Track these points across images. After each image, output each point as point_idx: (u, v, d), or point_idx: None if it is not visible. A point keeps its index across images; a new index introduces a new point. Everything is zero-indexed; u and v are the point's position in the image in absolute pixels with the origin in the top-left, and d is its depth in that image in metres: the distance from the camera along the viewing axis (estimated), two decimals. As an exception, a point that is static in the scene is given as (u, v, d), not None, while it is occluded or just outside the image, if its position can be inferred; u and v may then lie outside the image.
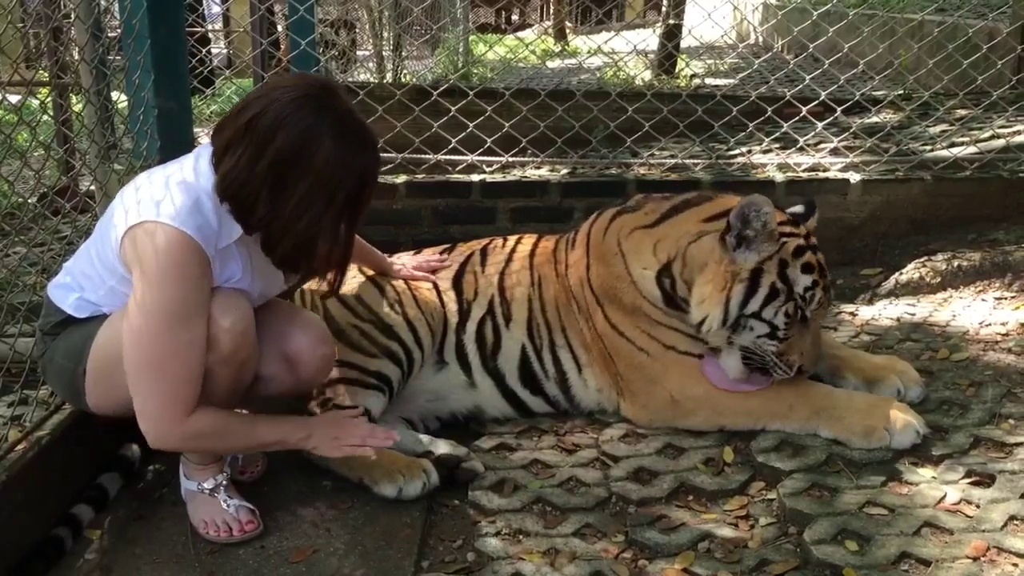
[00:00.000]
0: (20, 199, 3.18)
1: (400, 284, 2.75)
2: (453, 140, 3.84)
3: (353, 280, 2.76)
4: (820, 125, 4.09)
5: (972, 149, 3.93)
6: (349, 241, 2.09)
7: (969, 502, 2.01)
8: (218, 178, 1.97)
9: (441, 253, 2.94)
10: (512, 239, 2.94)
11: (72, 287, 2.17)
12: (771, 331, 2.39)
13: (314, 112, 1.93)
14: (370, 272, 2.78)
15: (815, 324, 2.43)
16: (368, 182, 2.03)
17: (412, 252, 2.99)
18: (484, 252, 2.89)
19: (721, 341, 2.45)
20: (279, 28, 6.84)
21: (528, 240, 2.91)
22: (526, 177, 3.84)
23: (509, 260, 2.85)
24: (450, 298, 2.78)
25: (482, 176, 3.74)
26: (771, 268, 2.38)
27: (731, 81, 6.98)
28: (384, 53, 7.39)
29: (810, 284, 2.38)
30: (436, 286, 2.81)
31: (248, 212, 1.98)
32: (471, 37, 10.74)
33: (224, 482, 2.23)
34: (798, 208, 2.65)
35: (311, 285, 2.81)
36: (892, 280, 3.41)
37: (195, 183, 2.01)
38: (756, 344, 2.41)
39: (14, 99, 2.82)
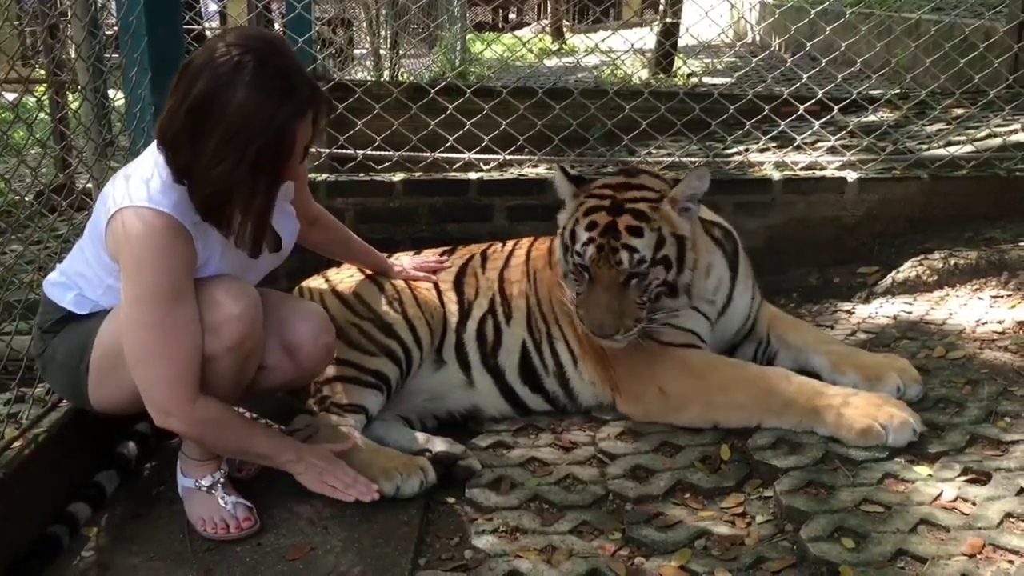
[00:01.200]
0: (17, 196, 3.17)
1: (399, 283, 2.76)
2: (450, 138, 3.83)
3: (352, 278, 2.77)
4: (817, 124, 4.09)
5: (969, 148, 3.93)
6: (268, 196, 2.01)
7: (965, 499, 2.01)
8: (157, 124, 1.99)
9: (441, 255, 2.95)
10: (511, 242, 2.96)
11: (70, 286, 2.18)
12: (568, 288, 2.57)
13: (238, 61, 1.89)
14: (369, 272, 2.78)
15: (599, 285, 2.43)
16: (284, 138, 1.94)
17: (412, 252, 2.99)
18: (484, 255, 2.92)
19: (569, 296, 2.60)
20: (276, 26, 6.84)
21: (525, 242, 2.94)
22: (523, 175, 3.84)
23: (508, 260, 2.87)
24: (450, 298, 2.79)
25: (479, 174, 3.74)
26: (568, 225, 2.54)
27: (728, 80, 6.98)
28: (381, 51, 7.38)
29: (586, 240, 2.45)
30: (436, 286, 2.81)
31: (172, 159, 1.97)
32: (468, 35, 10.73)
33: (222, 479, 2.23)
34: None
35: (310, 283, 2.82)
36: (889, 278, 3.42)
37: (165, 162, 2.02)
38: (572, 300, 2.56)
39: (10, 96, 2.82)
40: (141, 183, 2.00)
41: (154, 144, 2.11)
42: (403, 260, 2.89)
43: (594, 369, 2.69)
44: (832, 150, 3.93)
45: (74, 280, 2.17)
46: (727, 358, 2.63)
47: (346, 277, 2.79)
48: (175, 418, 2.03)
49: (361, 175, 3.71)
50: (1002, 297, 3.06)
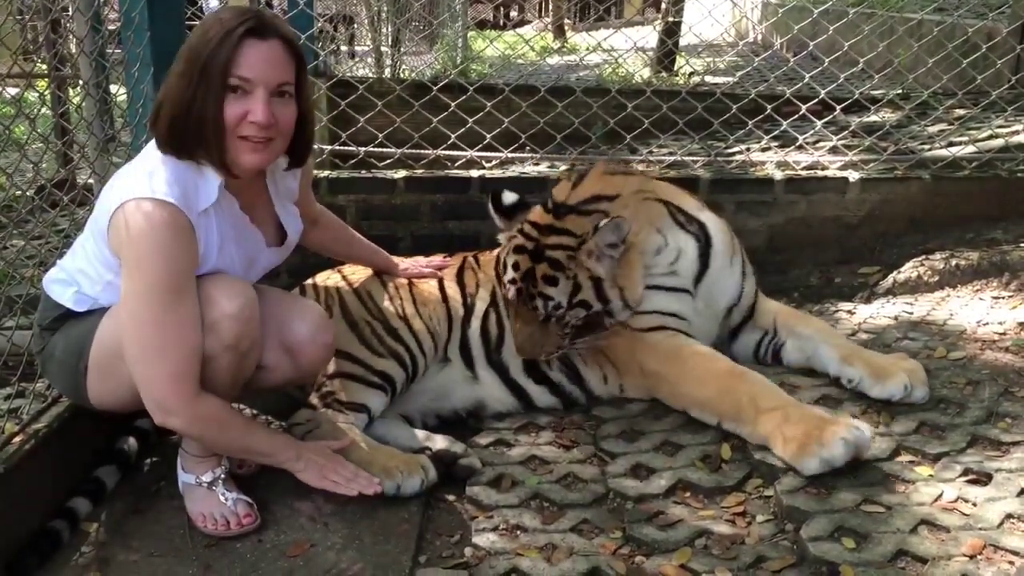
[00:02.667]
0: (18, 191, 3.17)
1: (411, 286, 2.78)
2: (452, 136, 3.83)
3: (368, 276, 2.78)
4: (819, 123, 4.09)
5: (971, 148, 3.93)
6: (219, 116, 2.02)
7: (966, 500, 2.01)
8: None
9: (444, 257, 2.97)
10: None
11: (69, 282, 2.17)
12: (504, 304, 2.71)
13: (224, 18, 2.02)
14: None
15: (520, 320, 2.58)
16: (229, 52, 1.99)
17: (421, 257, 3.00)
18: (477, 256, 2.96)
19: None
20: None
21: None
22: (525, 173, 3.84)
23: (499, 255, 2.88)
24: (454, 294, 2.80)
25: (481, 172, 3.73)
26: (501, 255, 2.70)
27: (730, 79, 6.98)
28: (383, 49, 7.36)
29: (509, 279, 2.60)
30: (440, 283, 2.82)
31: (154, 112, 2.08)
32: (470, 33, 10.71)
33: (222, 475, 2.23)
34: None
35: (326, 280, 2.81)
36: (890, 279, 3.42)
37: (169, 156, 2.05)
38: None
39: (12, 91, 2.82)
40: (143, 176, 2.01)
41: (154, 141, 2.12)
42: (408, 262, 2.90)
43: (590, 354, 2.70)
44: (834, 150, 3.93)
45: (74, 276, 2.17)
46: (699, 346, 2.57)
47: (362, 274, 2.81)
48: (175, 415, 2.02)
49: (363, 172, 3.71)
50: (1003, 298, 3.06)
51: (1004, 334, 2.79)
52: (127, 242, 1.97)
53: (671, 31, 8.83)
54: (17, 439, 2.18)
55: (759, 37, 10.31)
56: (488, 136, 3.85)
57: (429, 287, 2.80)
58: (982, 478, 2.09)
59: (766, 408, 2.30)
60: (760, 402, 2.32)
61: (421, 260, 2.93)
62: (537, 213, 2.66)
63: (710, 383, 2.45)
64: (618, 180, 2.73)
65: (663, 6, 9.06)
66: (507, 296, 2.63)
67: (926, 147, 4.10)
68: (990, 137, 4.18)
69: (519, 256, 2.58)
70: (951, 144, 4.05)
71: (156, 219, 1.95)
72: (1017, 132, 4.18)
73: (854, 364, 2.51)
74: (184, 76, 2.01)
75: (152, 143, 2.11)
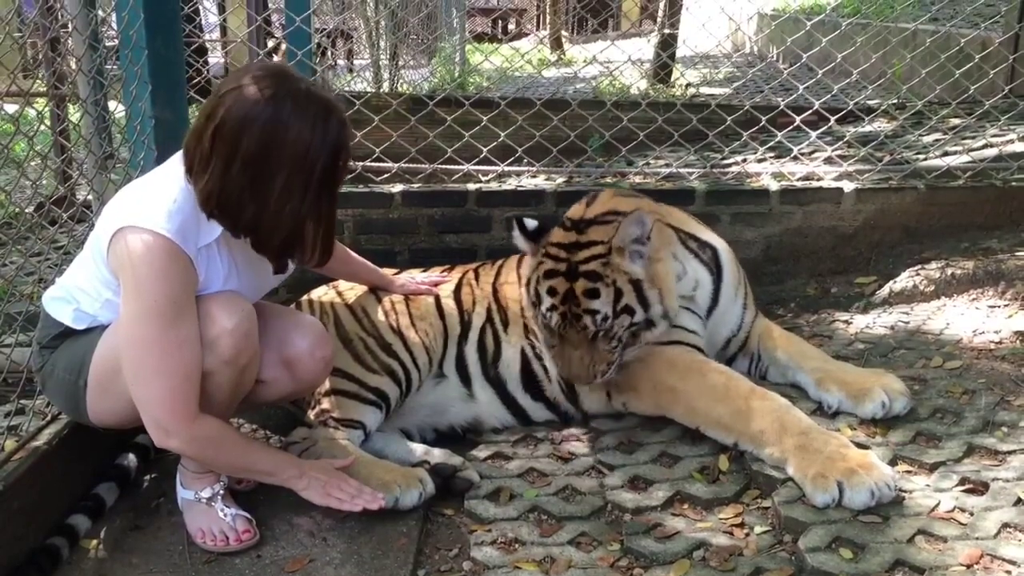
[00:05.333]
0: (17, 209, 3.18)
1: (406, 302, 2.78)
2: (449, 150, 3.85)
3: (362, 292, 2.78)
4: (814, 134, 4.11)
5: (965, 158, 3.94)
6: (332, 214, 2.11)
7: (963, 510, 2.01)
8: (199, 196, 1.98)
9: (442, 272, 2.97)
10: (501, 259, 3.00)
11: (68, 300, 2.18)
12: (541, 335, 2.63)
13: (270, 103, 1.93)
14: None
15: (569, 345, 2.47)
16: (340, 152, 2.02)
17: (421, 270, 3.01)
18: (477, 272, 2.95)
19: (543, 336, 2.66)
20: (277, 35, 6.85)
21: (515, 256, 2.94)
22: (522, 186, 3.85)
23: (499, 270, 2.91)
24: (451, 312, 2.80)
25: (478, 185, 3.75)
26: (532, 281, 2.58)
27: (726, 90, 7.01)
28: (381, 63, 7.40)
29: (549, 306, 2.49)
30: (437, 299, 2.83)
31: (236, 218, 2.00)
32: (467, 47, 10.76)
33: (221, 491, 2.23)
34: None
35: (321, 295, 2.83)
36: (886, 288, 3.43)
37: (173, 186, 2.03)
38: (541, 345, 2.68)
39: (11, 109, 2.83)
40: (148, 205, 2.00)
41: (164, 166, 2.13)
42: (403, 277, 2.90)
43: None
44: (829, 160, 3.95)
45: (72, 294, 2.17)
46: (718, 364, 2.57)
47: (357, 290, 2.82)
48: (174, 437, 2.03)
49: (360, 186, 3.72)
50: (999, 307, 3.06)
51: (1000, 343, 2.80)
52: (127, 266, 1.97)
53: (667, 43, 8.86)
54: (17, 456, 2.19)
55: (754, 49, 10.36)
56: (485, 150, 3.87)
57: (425, 302, 2.81)
58: (979, 487, 2.09)
59: (793, 432, 2.24)
60: (786, 425, 2.27)
61: (417, 275, 2.93)
62: (558, 235, 2.58)
63: (730, 401, 2.39)
64: (631, 200, 2.72)
65: (659, 18, 9.10)
66: (548, 325, 2.51)
67: (921, 157, 4.12)
68: (984, 147, 4.20)
69: (553, 280, 2.49)
70: (946, 154, 4.06)
71: (154, 248, 1.96)
72: (1011, 141, 4.20)
73: (830, 389, 2.49)
74: (298, 191, 1.96)
75: (162, 169, 2.12)
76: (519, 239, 2.63)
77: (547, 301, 2.49)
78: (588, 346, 2.46)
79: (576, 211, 2.68)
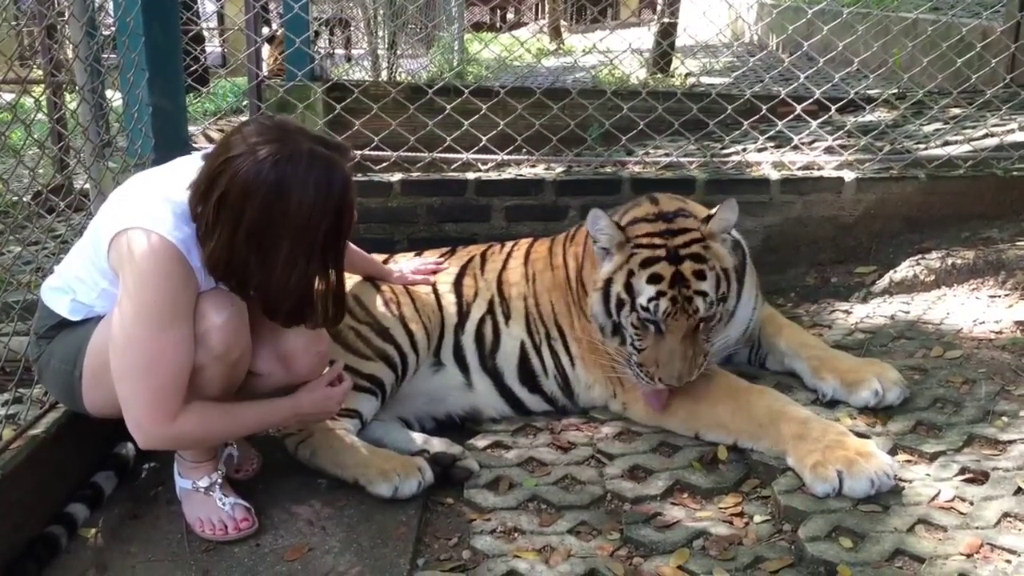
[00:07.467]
0: (15, 197, 3.17)
1: (397, 287, 2.76)
2: (448, 138, 3.84)
3: (351, 282, 2.76)
4: (815, 123, 4.09)
5: (966, 147, 3.93)
6: (340, 271, 2.09)
7: (963, 499, 2.02)
8: (207, 261, 1.97)
9: (441, 256, 2.95)
10: (509, 244, 2.96)
11: (65, 290, 2.17)
12: (623, 339, 2.46)
13: (273, 168, 1.89)
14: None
15: (673, 337, 2.36)
16: (344, 211, 1.99)
17: (413, 254, 2.99)
18: (483, 256, 2.92)
19: (613, 347, 2.51)
20: (273, 26, 6.82)
21: (524, 243, 2.94)
22: (521, 175, 3.84)
23: (506, 262, 2.88)
24: (449, 300, 2.79)
25: (477, 174, 3.74)
26: (619, 278, 2.43)
27: (726, 80, 6.98)
28: (379, 51, 7.37)
29: (653, 295, 2.36)
30: (434, 289, 2.81)
31: (243, 284, 2.01)
32: (466, 35, 10.73)
33: (219, 480, 2.23)
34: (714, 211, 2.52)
35: None
36: (886, 278, 3.42)
37: (182, 196, 2.00)
38: (619, 351, 2.48)
39: (8, 97, 2.82)
40: (156, 208, 1.98)
41: (173, 168, 2.11)
42: (403, 263, 2.89)
43: (592, 369, 2.69)
44: (829, 150, 3.94)
45: (69, 283, 2.16)
46: (725, 371, 2.57)
47: (352, 279, 2.79)
48: (149, 436, 2.02)
49: (359, 175, 3.71)
50: (999, 296, 3.06)
51: (1000, 332, 2.80)
52: (129, 265, 1.96)
53: (667, 32, 8.84)
54: (15, 445, 2.18)
55: (755, 37, 10.33)
56: (484, 139, 3.85)
57: (422, 288, 2.80)
58: (979, 477, 2.09)
59: (792, 422, 2.25)
60: (785, 415, 2.28)
61: (415, 260, 2.92)
62: (647, 227, 2.47)
63: (730, 400, 2.41)
64: (677, 200, 2.66)
65: (659, 7, 9.07)
66: (648, 318, 2.37)
67: (921, 146, 4.11)
68: (985, 136, 4.19)
69: (655, 267, 2.37)
70: (946, 143, 4.05)
71: (159, 250, 1.94)
72: (1012, 131, 4.19)
73: (825, 377, 2.51)
74: (302, 255, 1.95)
75: (169, 167, 2.10)
76: (612, 228, 2.44)
77: (649, 290, 2.36)
78: (692, 337, 2.37)
79: (648, 208, 2.56)
